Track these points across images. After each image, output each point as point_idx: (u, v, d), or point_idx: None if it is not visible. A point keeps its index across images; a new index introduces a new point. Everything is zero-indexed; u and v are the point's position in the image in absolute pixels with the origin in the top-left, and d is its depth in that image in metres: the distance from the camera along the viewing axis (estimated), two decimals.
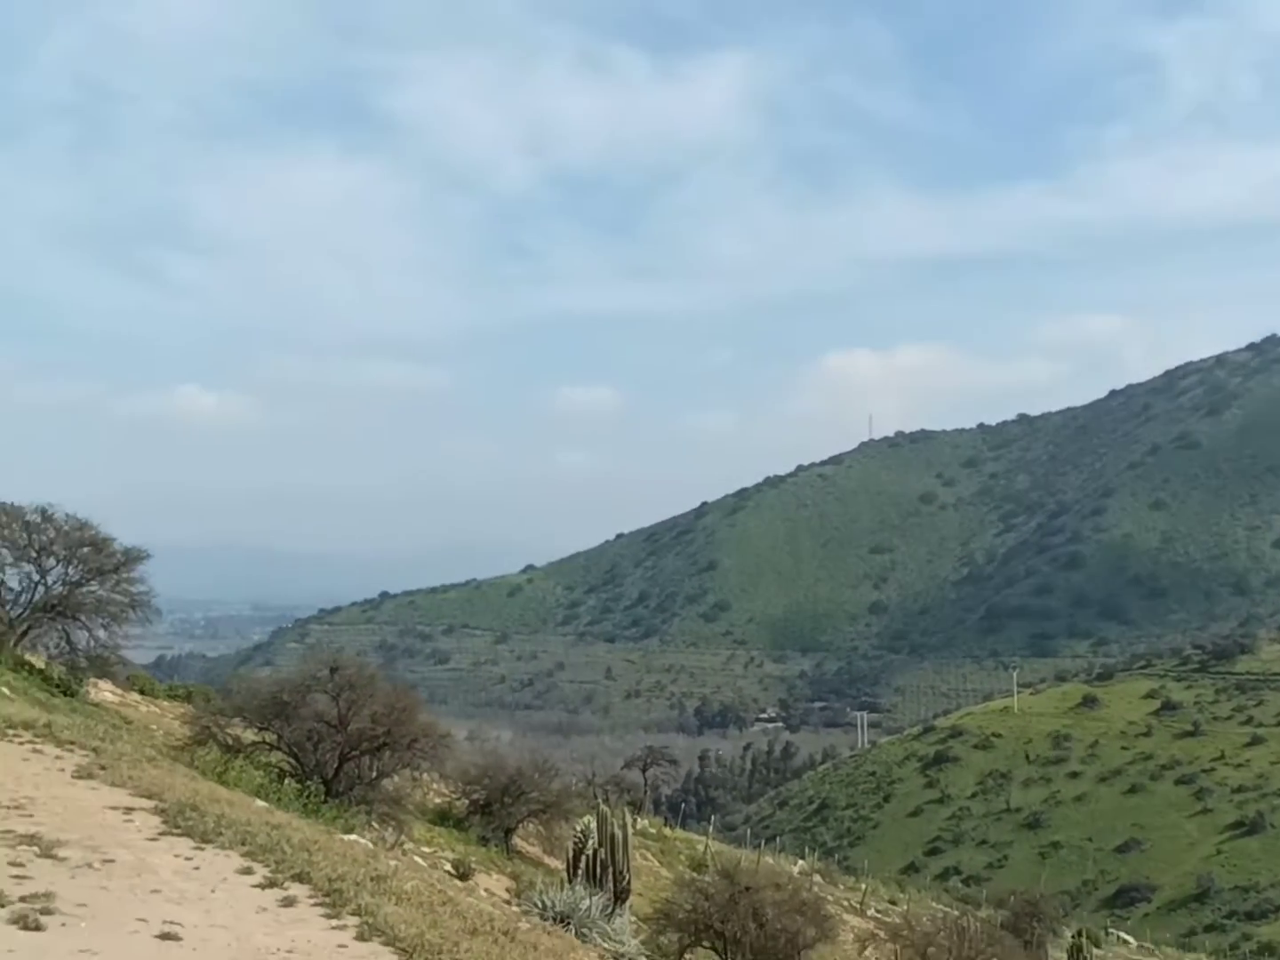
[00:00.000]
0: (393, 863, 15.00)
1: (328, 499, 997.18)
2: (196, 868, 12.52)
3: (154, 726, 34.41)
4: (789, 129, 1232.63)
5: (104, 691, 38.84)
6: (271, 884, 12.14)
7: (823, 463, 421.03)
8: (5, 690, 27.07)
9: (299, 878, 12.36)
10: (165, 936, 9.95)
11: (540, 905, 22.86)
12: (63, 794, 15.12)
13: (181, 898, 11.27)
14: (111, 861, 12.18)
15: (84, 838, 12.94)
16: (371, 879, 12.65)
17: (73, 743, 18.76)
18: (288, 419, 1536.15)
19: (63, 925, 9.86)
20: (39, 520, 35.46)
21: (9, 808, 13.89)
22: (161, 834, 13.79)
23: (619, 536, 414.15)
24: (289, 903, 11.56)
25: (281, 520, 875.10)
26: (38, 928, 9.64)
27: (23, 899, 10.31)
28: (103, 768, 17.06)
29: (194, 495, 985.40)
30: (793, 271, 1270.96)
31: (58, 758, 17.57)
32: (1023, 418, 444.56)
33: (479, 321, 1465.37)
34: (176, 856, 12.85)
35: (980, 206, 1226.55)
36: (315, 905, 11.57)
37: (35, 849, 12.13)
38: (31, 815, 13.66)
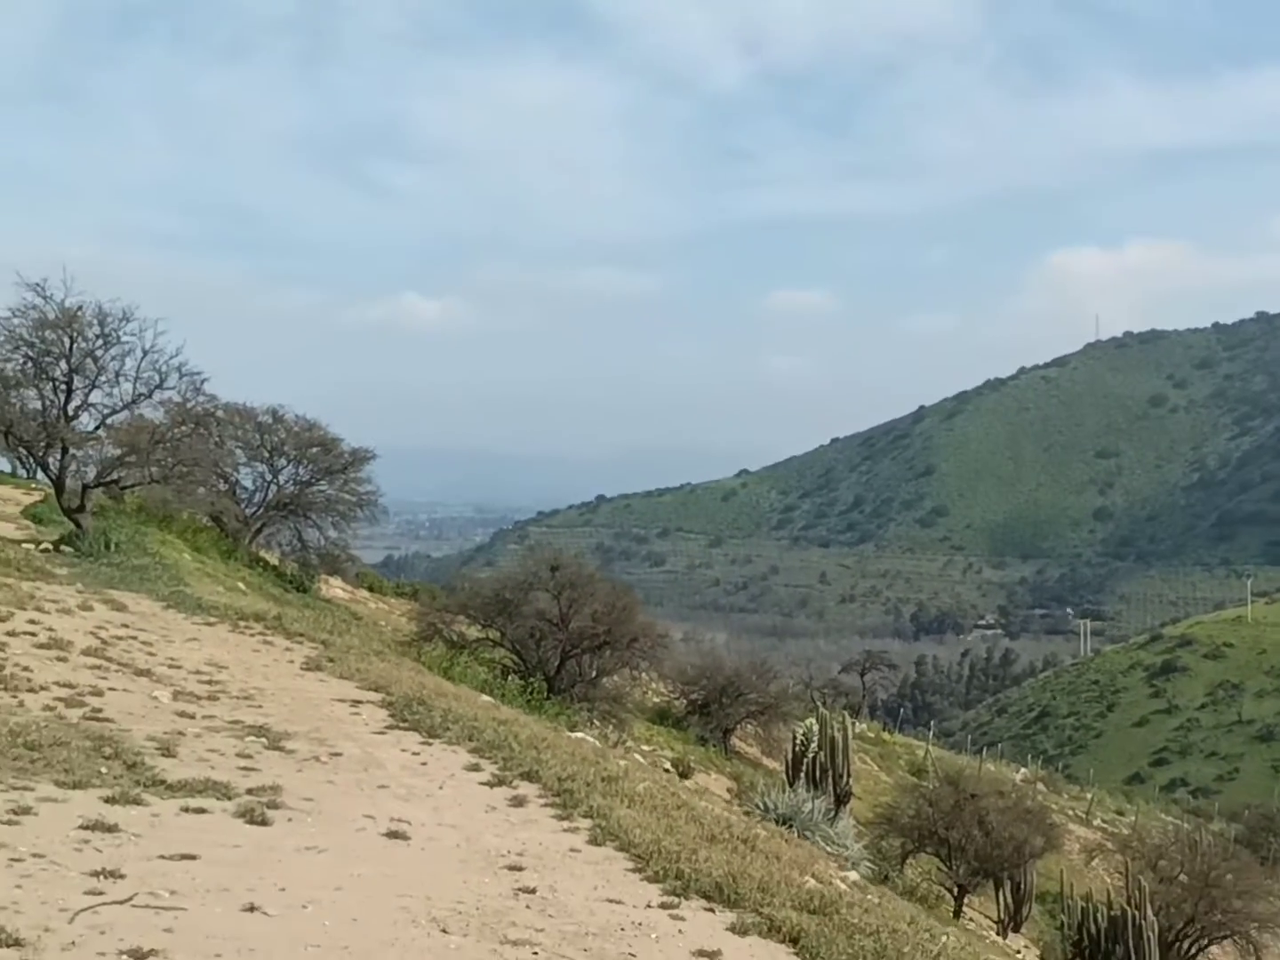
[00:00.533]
0: (622, 763, 14.59)
1: (543, 402, 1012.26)
2: (424, 763, 12.29)
3: (382, 622, 35.10)
4: (1014, 14, 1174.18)
5: (334, 588, 39.87)
6: (500, 782, 11.82)
7: (1046, 365, 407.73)
8: (241, 585, 27.75)
9: (527, 776, 12.01)
10: (393, 835, 9.63)
11: (763, 807, 22.58)
12: (291, 685, 15.13)
13: (409, 794, 10.99)
14: (339, 755, 12.01)
15: (311, 730, 12.82)
16: (602, 779, 12.23)
17: (302, 635, 18.92)
18: (504, 323, 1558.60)
19: (289, 820, 9.61)
20: (270, 421, 36.33)
21: (239, 698, 13.91)
22: (388, 728, 13.65)
23: (833, 441, 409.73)
24: (518, 802, 11.19)
25: (500, 423, 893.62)
26: (264, 822, 9.40)
27: (250, 791, 10.13)
28: (331, 660, 17.11)
29: (417, 400, 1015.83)
30: (1016, 166, 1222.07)
31: (287, 649, 17.71)
32: (1261, 316, 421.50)
33: (690, 225, 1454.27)
34: (403, 751, 12.65)
35: (1218, 94, 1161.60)
36: (545, 806, 11.18)
37: (263, 740, 12.04)
38: (260, 706, 13.64)
